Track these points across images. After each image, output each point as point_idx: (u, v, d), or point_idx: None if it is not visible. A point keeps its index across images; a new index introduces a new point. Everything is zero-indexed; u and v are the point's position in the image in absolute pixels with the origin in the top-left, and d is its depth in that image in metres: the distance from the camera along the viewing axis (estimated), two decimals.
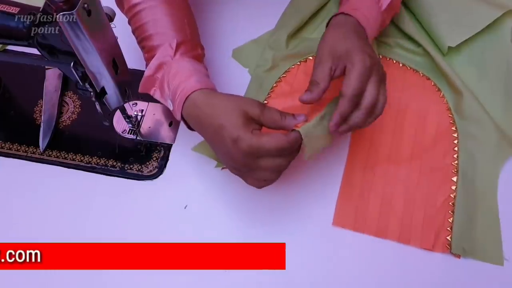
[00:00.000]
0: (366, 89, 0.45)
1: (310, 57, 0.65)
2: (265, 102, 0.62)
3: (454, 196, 0.56)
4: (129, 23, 0.55)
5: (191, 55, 0.53)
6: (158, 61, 0.51)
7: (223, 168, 0.58)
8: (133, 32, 0.55)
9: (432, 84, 0.64)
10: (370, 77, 0.45)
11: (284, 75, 0.65)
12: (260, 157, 0.43)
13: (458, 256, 0.53)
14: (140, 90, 0.54)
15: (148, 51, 0.53)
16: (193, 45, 0.54)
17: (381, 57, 0.65)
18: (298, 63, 0.65)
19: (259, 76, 0.64)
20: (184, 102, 0.47)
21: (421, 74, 0.65)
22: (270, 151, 0.42)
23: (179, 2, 0.55)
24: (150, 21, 0.52)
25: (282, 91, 0.63)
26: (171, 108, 0.51)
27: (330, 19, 0.54)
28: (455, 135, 0.60)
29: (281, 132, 0.44)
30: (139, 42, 0.55)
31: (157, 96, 0.53)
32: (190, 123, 0.49)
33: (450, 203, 0.56)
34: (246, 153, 0.42)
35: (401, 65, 0.65)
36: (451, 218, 0.55)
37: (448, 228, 0.54)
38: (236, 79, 0.65)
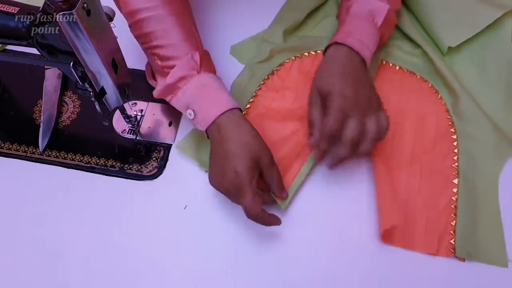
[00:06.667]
0: (346, 125, 0.50)
1: (306, 54, 0.65)
2: (256, 94, 0.62)
3: (456, 199, 0.55)
4: (129, 26, 0.54)
5: (211, 69, 0.54)
6: (181, 72, 0.52)
7: (207, 170, 0.57)
8: (137, 37, 0.54)
9: (430, 86, 0.64)
10: (349, 116, 0.50)
11: (278, 68, 0.65)
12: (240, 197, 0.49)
13: (463, 259, 0.52)
14: (156, 96, 0.55)
15: (162, 60, 0.53)
16: (209, 57, 0.56)
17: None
18: (293, 58, 0.65)
19: (253, 66, 0.65)
20: (210, 125, 0.51)
21: (418, 77, 0.64)
22: (245, 205, 0.49)
23: (182, 7, 0.54)
24: (159, 30, 0.52)
25: (273, 85, 0.63)
26: (189, 117, 0.53)
27: (327, 48, 0.57)
28: (454, 136, 0.59)
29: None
30: (147, 48, 0.54)
31: (173, 102, 0.54)
32: (210, 137, 0.52)
33: (452, 206, 0.55)
34: (235, 186, 0.49)
35: (397, 68, 0.65)
36: (454, 221, 0.54)
37: (451, 232, 0.53)
38: (234, 76, 0.65)
